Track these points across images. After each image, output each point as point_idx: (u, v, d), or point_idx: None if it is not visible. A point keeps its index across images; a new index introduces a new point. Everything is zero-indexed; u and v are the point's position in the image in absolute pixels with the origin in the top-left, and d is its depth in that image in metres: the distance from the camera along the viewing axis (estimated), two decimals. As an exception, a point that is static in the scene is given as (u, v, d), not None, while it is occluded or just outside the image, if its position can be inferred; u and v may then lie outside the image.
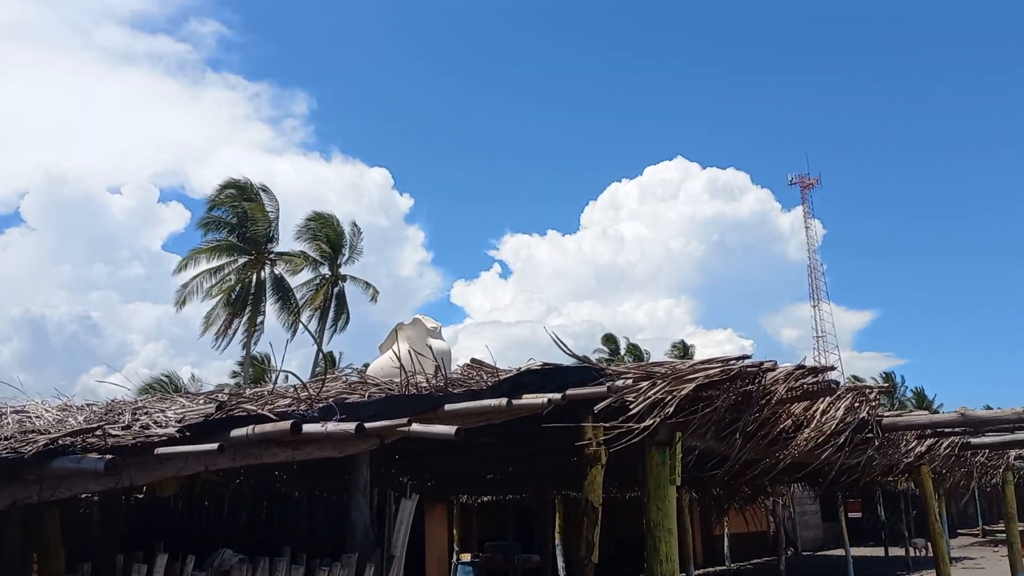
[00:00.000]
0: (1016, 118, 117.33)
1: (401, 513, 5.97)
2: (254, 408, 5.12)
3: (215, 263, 36.60)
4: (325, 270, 39.67)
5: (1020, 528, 14.10)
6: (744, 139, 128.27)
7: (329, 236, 39.44)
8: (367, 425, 5.12)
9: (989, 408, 9.86)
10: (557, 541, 19.22)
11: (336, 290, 39.64)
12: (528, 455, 11.63)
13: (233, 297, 36.58)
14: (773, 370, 7.85)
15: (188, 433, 4.46)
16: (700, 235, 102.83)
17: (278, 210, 37.84)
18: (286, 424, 4.72)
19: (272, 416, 4.97)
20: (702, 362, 7.40)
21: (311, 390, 5.81)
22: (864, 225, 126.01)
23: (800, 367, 8.13)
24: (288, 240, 38.87)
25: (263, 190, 37.72)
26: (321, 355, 37.41)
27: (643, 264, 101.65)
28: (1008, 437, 10.73)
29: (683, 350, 67.52)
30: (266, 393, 5.77)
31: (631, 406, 7.11)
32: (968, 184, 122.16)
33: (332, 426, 5.05)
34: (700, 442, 8.22)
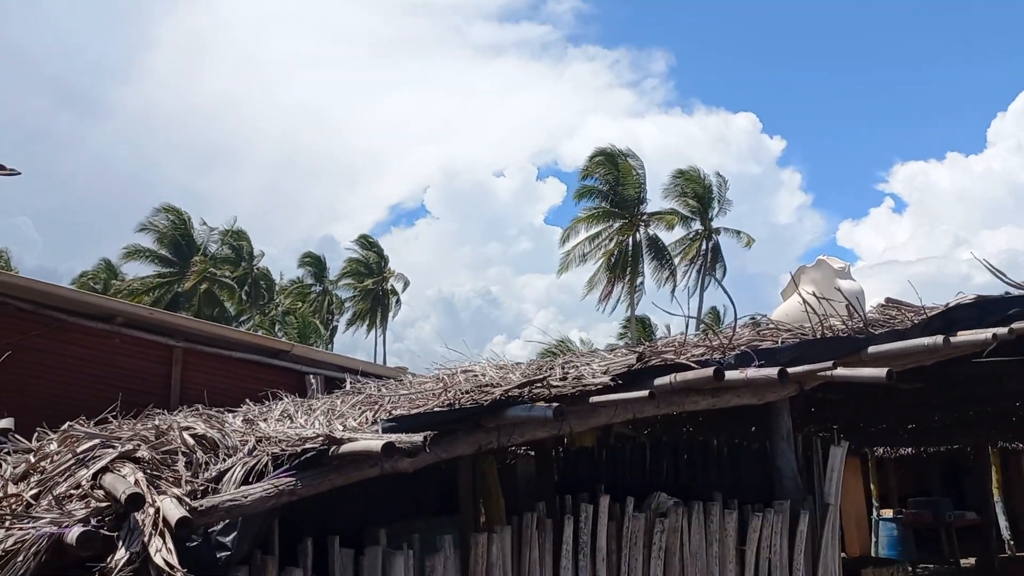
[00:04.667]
0: None
1: (832, 460, 5.69)
2: (672, 358, 5.22)
3: (593, 230, 38.63)
4: (697, 225, 39.57)
5: None
6: None
7: (696, 191, 39.24)
8: (789, 370, 4.94)
9: None
10: (996, 497, 16.98)
11: (711, 244, 39.34)
12: (957, 401, 10.40)
13: (613, 261, 38.30)
14: None
15: (620, 382, 4.69)
16: None
17: (644, 172, 38.69)
18: (708, 371, 4.74)
19: (691, 364, 5.02)
20: None
21: (723, 337, 5.76)
22: None
23: None
24: (657, 200, 39.54)
25: (628, 155, 38.78)
26: (698, 312, 37.51)
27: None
28: None
29: None
30: (678, 344, 5.85)
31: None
32: None
33: (752, 372, 4.96)
34: None
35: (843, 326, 6.16)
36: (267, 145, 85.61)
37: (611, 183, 38.35)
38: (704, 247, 39.21)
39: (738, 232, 39.45)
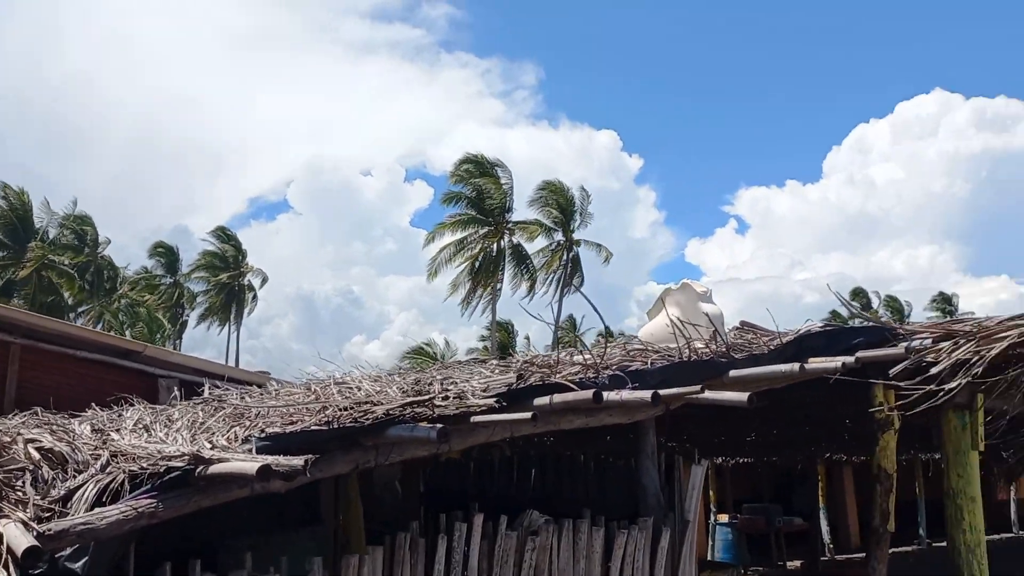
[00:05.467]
0: None
1: (693, 479, 5.96)
2: (548, 376, 5.31)
3: (459, 235, 38.76)
4: (559, 236, 40.51)
5: None
6: (1015, 62, 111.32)
7: (560, 203, 40.18)
8: (661, 393, 5.14)
9: None
10: (820, 505, 18.41)
11: (571, 255, 40.36)
12: (796, 419, 11.18)
13: (476, 266, 38.57)
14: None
15: (505, 403, 4.72)
16: (966, 173, 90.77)
17: (512, 181, 39.27)
18: (588, 393, 4.85)
19: (569, 384, 5.12)
20: (1014, 318, 6.66)
21: (595, 357, 5.92)
22: None
23: None
24: (523, 209, 40.19)
25: (496, 164, 39.27)
26: (556, 320, 38.32)
27: (899, 209, 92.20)
28: None
29: (946, 302, 61.51)
30: (553, 362, 5.97)
31: (930, 368, 6.59)
32: None
33: (627, 394, 5.13)
34: (1007, 405, 7.47)
35: (707, 349, 6.49)
36: (121, 130, 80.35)
37: (478, 190, 38.64)
38: (565, 258, 40.19)
39: (599, 245, 40.72)
